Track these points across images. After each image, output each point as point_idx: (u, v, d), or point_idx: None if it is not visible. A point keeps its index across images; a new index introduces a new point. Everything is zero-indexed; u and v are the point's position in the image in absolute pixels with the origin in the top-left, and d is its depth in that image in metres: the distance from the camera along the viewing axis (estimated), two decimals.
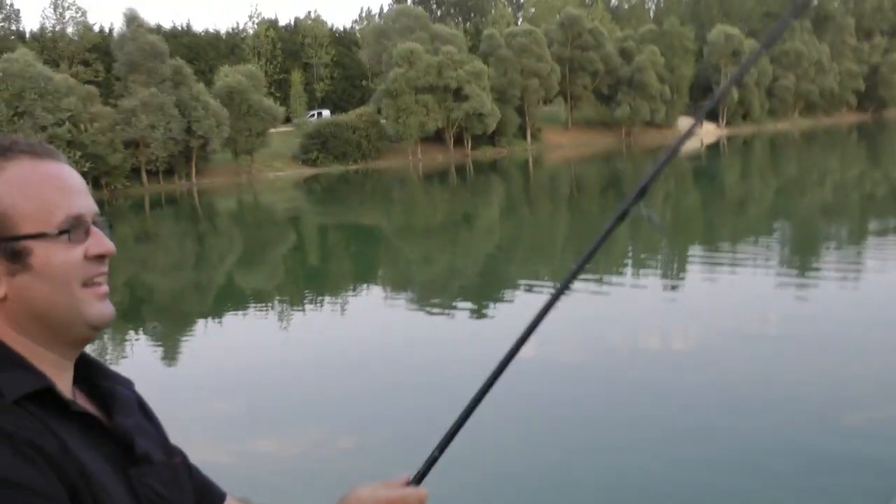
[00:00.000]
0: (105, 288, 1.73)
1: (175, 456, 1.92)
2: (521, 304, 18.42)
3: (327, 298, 22.81)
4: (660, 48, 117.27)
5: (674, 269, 21.50)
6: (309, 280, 26.78)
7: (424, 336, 16.56)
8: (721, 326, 15.13)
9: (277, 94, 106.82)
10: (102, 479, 1.60)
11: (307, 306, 22.02)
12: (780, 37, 2.01)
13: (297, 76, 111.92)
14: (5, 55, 75.43)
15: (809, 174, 51.53)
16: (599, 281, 19.36)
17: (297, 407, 12.45)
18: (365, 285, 24.41)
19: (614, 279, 19.95)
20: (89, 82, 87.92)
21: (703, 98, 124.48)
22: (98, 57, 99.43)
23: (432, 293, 21.68)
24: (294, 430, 11.51)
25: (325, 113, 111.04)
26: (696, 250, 23.71)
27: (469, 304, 19.46)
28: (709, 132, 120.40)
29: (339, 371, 14.28)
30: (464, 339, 15.88)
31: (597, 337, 14.93)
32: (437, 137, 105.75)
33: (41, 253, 1.63)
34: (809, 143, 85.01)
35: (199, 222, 51.76)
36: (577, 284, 17.31)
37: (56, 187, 1.68)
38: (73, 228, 1.67)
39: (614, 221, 2.11)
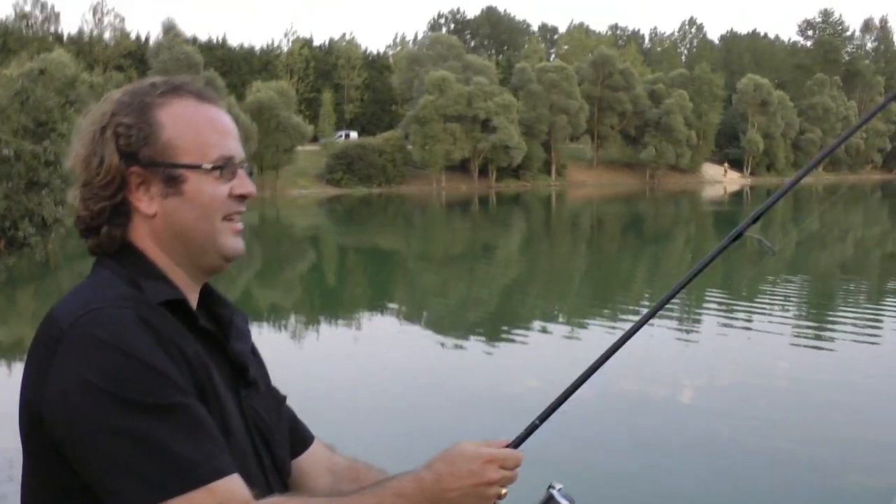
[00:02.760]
0: (240, 225, 1.96)
1: (276, 393, 2.15)
2: (533, 338, 18.58)
3: (340, 319, 22.94)
4: (689, 93, 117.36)
5: (688, 315, 21.59)
6: (323, 299, 26.95)
7: (433, 364, 16.68)
8: (732, 373, 15.31)
9: (307, 113, 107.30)
10: (222, 391, 1.83)
11: (319, 325, 22.18)
12: None
13: (327, 96, 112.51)
14: (43, 55, 76.20)
15: (830, 230, 51.48)
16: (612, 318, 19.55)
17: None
18: (378, 309, 24.55)
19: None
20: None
21: (728, 145, 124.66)
22: (132, 64, 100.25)
23: (445, 322, 21.83)
24: None
25: (353, 135, 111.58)
26: (711, 297, 23.80)
27: (481, 336, 19.55)
28: (733, 180, 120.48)
29: (343, 391, 14.38)
30: (472, 369, 16.03)
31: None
32: (462, 167, 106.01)
33: (194, 182, 1.86)
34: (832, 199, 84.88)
35: None
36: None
37: (215, 129, 1.91)
38: (225, 167, 1.89)
39: (729, 241, 2.35)
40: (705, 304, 22.29)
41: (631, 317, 20.25)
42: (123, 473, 1.62)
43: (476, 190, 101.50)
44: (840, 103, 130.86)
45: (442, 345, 18.84)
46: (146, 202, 1.86)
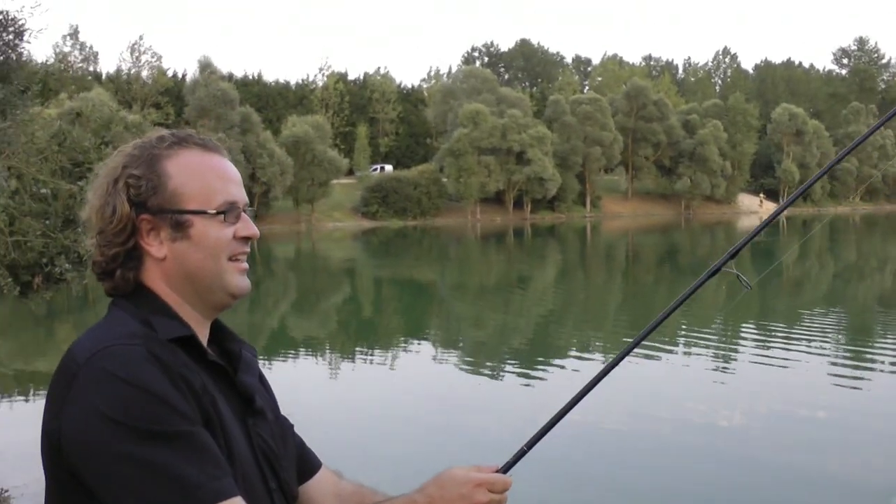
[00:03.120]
0: (245, 265, 2.10)
1: (284, 421, 2.29)
2: (569, 371, 18.54)
3: (376, 350, 22.99)
4: (723, 123, 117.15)
5: (725, 346, 21.50)
6: (359, 331, 26.99)
7: (469, 395, 16.68)
8: (763, 406, 15.18)
9: (342, 147, 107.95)
10: (228, 420, 1.96)
11: (356, 356, 22.22)
12: None
13: (362, 130, 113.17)
14: (82, 94, 77.13)
15: (868, 260, 51.13)
16: (652, 352, 19.55)
17: (330, 457, 12.55)
18: (415, 341, 24.55)
19: (666, 351, 20.04)
20: (159, 125, 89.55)
21: (763, 175, 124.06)
22: (169, 101, 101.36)
23: (481, 354, 21.83)
24: None
25: (388, 168, 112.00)
26: (748, 329, 23.70)
27: (517, 368, 19.52)
28: (768, 211, 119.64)
29: (381, 422, 14.45)
30: (508, 402, 16.00)
31: (643, 405, 15.03)
32: (496, 199, 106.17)
33: (200, 227, 2.00)
34: (870, 229, 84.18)
35: (255, 266, 52.25)
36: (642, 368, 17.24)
37: (219, 176, 2.06)
38: (228, 212, 2.04)
39: (707, 276, 2.52)
40: (737, 337, 22.22)
41: (667, 348, 20.24)
42: (134, 497, 1.74)
43: (511, 222, 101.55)
44: (876, 132, 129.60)
45: (476, 378, 18.85)
46: (156, 246, 2.01)
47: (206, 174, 2.05)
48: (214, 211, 2.02)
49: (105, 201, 2.01)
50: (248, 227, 2.09)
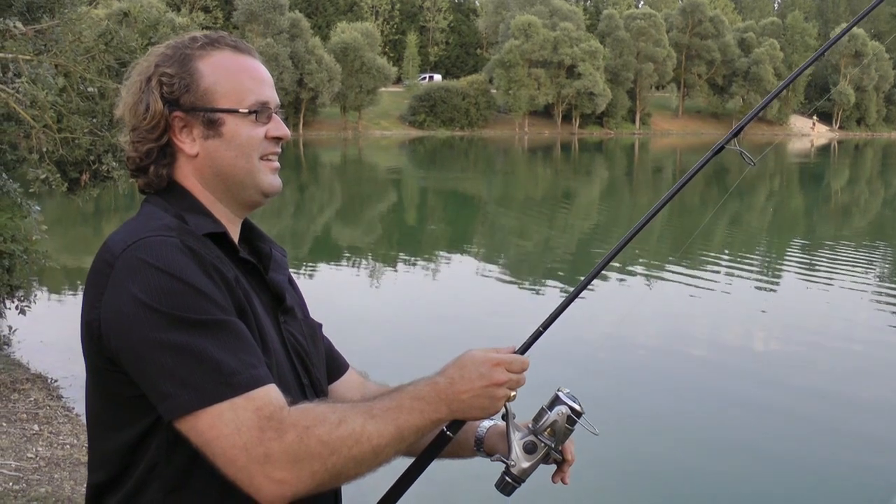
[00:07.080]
0: (277, 164, 2.15)
1: (313, 322, 2.35)
2: (612, 286, 18.56)
3: (419, 260, 23.07)
4: (780, 42, 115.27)
5: (766, 270, 21.41)
6: (402, 240, 27.09)
7: (511, 307, 16.72)
8: (788, 333, 15.16)
9: (391, 55, 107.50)
10: (261, 314, 2.03)
11: (398, 265, 22.33)
12: None
13: (412, 38, 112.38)
14: None
15: None
16: (690, 274, 19.53)
17: (366, 361, 12.67)
18: (457, 252, 24.60)
19: (706, 272, 19.98)
20: (207, 28, 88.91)
21: (818, 98, 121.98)
22: (218, 4, 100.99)
23: (522, 265, 21.86)
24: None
25: (437, 77, 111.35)
26: (791, 252, 23.56)
27: (558, 282, 19.53)
28: (820, 133, 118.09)
29: (419, 330, 14.66)
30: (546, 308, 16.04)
31: (675, 326, 15.06)
32: (545, 112, 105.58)
33: (231, 125, 2.05)
34: None
35: (301, 172, 52.40)
36: (665, 277, 17.28)
37: (251, 77, 2.10)
38: (260, 112, 2.07)
39: (712, 153, 2.58)
40: (784, 258, 22.09)
41: (708, 267, 20.19)
42: (170, 381, 1.79)
43: (558, 135, 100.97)
44: None
45: (514, 288, 18.89)
46: (189, 143, 2.06)
47: (239, 74, 2.08)
48: (246, 110, 2.06)
49: (138, 98, 2.05)
50: (279, 127, 2.12)
